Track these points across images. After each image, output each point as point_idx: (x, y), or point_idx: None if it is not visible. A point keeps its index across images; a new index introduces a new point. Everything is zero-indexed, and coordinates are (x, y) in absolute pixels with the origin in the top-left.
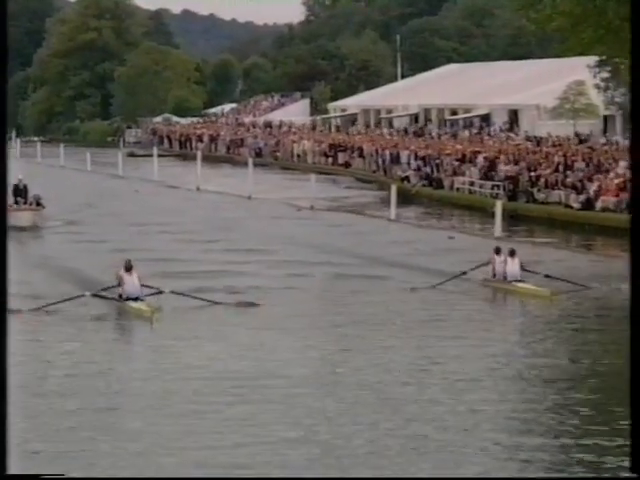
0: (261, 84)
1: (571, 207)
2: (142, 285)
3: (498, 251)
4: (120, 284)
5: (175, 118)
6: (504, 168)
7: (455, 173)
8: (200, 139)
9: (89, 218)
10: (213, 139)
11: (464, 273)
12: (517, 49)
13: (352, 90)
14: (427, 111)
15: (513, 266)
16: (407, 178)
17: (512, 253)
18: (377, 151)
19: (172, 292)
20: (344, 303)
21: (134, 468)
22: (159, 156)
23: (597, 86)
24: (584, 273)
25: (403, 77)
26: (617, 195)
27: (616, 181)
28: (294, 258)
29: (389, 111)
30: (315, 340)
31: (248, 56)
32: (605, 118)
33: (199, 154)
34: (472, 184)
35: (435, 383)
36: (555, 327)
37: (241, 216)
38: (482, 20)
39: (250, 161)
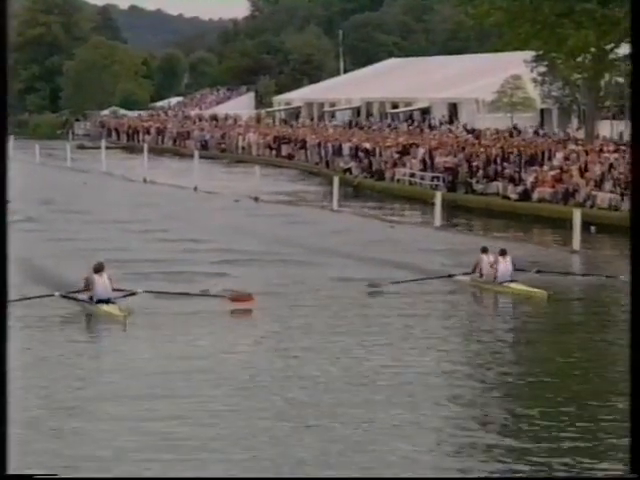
0: (207, 78)
1: (509, 198)
2: (114, 289)
3: (485, 250)
4: (89, 286)
5: (123, 111)
6: (443, 160)
7: (396, 165)
8: (147, 132)
9: (37, 210)
10: (160, 132)
11: (450, 276)
12: (456, 44)
13: (296, 84)
14: (369, 104)
15: (505, 266)
16: (349, 170)
17: (503, 252)
18: (320, 144)
19: (146, 292)
20: (285, 292)
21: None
22: (107, 148)
23: (534, 80)
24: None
25: (345, 71)
26: (553, 186)
27: (552, 173)
28: (238, 247)
29: (332, 104)
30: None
31: (194, 50)
32: (542, 111)
33: (146, 146)
34: (412, 175)
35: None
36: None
37: (187, 207)
38: (422, 15)
39: (196, 153)
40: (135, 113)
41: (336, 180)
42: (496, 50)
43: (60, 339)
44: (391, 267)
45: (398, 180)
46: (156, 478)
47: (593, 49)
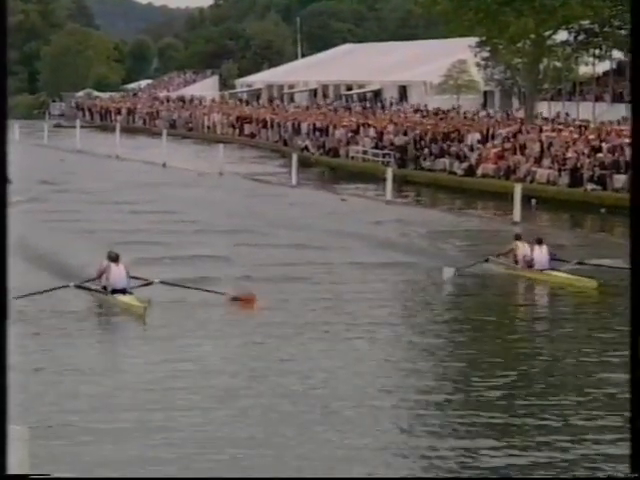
0: (174, 62)
1: (455, 173)
2: (130, 277)
3: (518, 237)
4: (106, 275)
5: (96, 93)
6: (394, 138)
7: (349, 143)
8: (119, 112)
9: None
10: (131, 112)
11: (486, 260)
12: (406, 31)
13: (257, 67)
14: (325, 87)
15: (541, 254)
16: (306, 148)
17: (539, 241)
18: (279, 123)
19: (162, 282)
20: (251, 261)
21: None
22: (81, 127)
23: (478, 64)
24: (471, 232)
25: (303, 56)
26: (495, 163)
27: (494, 150)
28: (203, 219)
29: (290, 87)
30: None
31: (162, 37)
32: (485, 93)
33: (118, 126)
34: (365, 153)
35: None
36: None
37: (157, 182)
38: (375, 4)
39: (164, 132)
40: (107, 95)
41: (294, 157)
42: (443, 36)
43: (76, 341)
44: (344, 237)
45: (352, 157)
46: (156, 478)
47: (532, 35)
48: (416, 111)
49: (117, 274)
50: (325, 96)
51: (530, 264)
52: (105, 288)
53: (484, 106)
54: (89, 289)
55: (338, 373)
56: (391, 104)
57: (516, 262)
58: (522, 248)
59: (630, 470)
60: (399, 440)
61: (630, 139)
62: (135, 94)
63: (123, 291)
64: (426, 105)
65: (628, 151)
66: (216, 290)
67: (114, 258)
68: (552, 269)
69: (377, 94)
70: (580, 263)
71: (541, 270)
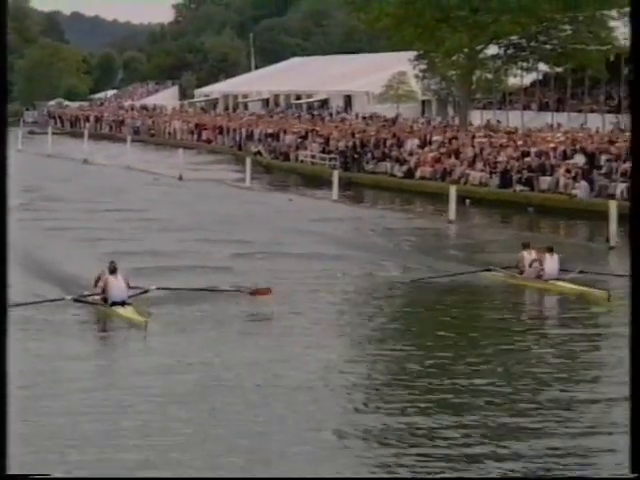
0: (138, 74)
1: (395, 176)
2: (129, 287)
3: (526, 246)
4: (103, 288)
5: (66, 102)
6: (339, 143)
7: (299, 148)
8: (87, 119)
9: None
10: (98, 119)
11: (488, 269)
12: (350, 45)
13: (214, 78)
14: (276, 96)
15: (552, 263)
16: (259, 152)
17: (550, 249)
18: (234, 129)
19: (158, 288)
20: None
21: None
22: (53, 134)
23: (416, 76)
24: (410, 229)
25: (256, 68)
26: (432, 166)
27: (431, 154)
28: (163, 217)
29: (245, 96)
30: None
31: (127, 50)
32: (423, 102)
33: (86, 132)
34: (313, 157)
35: None
36: None
37: (121, 184)
38: (321, 20)
39: (129, 138)
40: (77, 104)
41: (248, 161)
42: (384, 50)
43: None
44: (289, 232)
45: (301, 161)
46: (156, 478)
47: (466, 50)
48: (360, 118)
49: (116, 287)
50: (276, 105)
51: (539, 274)
52: (104, 300)
53: (422, 114)
54: (87, 302)
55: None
56: (337, 112)
57: (521, 272)
58: (529, 257)
59: (630, 470)
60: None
61: (630, 138)
62: (102, 103)
63: (122, 303)
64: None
65: (553, 155)
66: (232, 289)
67: (113, 270)
68: (559, 279)
69: (324, 103)
70: (582, 272)
71: (548, 280)
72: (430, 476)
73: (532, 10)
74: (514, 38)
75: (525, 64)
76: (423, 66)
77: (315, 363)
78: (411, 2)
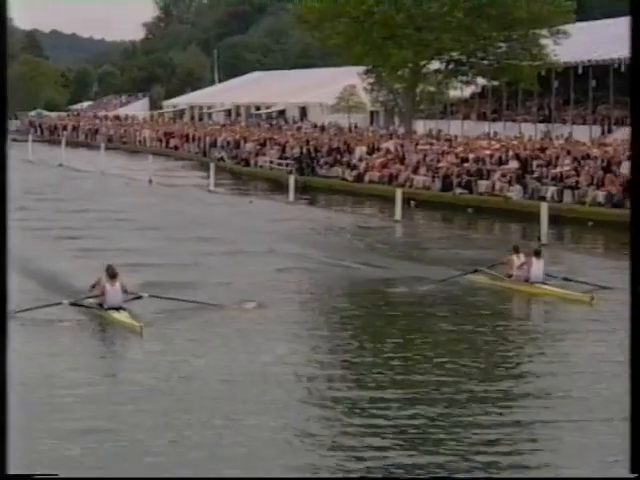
0: (112, 86)
1: (346, 180)
2: (125, 292)
3: (516, 249)
4: (101, 293)
5: (46, 112)
6: (295, 150)
7: (258, 154)
8: (65, 128)
9: None
10: (75, 128)
11: (475, 271)
12: (306, 60)
13: (181, 91)
14: (238, 107)
15: (538, 267)
16: (222, 158)
17: (537, 253)
18: (199, 137)
19: (152, 296)
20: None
21: None
22: (33, 141)
23: (365, 89)
24: (360, 227)
25: (220, 81)
26: (380, 171)
27: (379, 160)
28: (135, 217)
29: (209, 107)
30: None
31: (101, 65)
32: (371, 113)
33: (64, 140)
34: (271, 162)
35: None
36: None
37: (96, 187)
38: (279, 38)
39: (103, 145)
40: (55, 114)
41: (212, 166)
42: (336, 65)
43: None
44: (252, 232)
45: (260, 166)
46: (156, 478)
47: (410, 65)
48: (315, 127)
49: (113, 292)
50: (238, 115)
51: (527, 278)
52: (100, 305)
53: (371, 123)
54: (84, 306)
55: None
56: (293, 122)
57: (509, 275)
58: (517, 261)
59: (630, 470)
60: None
61: (630, 138)
62: (78, 113)
63: (117, 308)
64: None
65: (489, 161)
66: (210, 302)
67: (112, 275)
68: (544, 283)
69: (281, 113)
70: (566, 279)
71: (534, 283)
72: (430, 475)
73: (471, 29)
74: (454, 54)
75: (464, 78)
76: (371, 80)
77: (267, 355)
78: (360, 21)
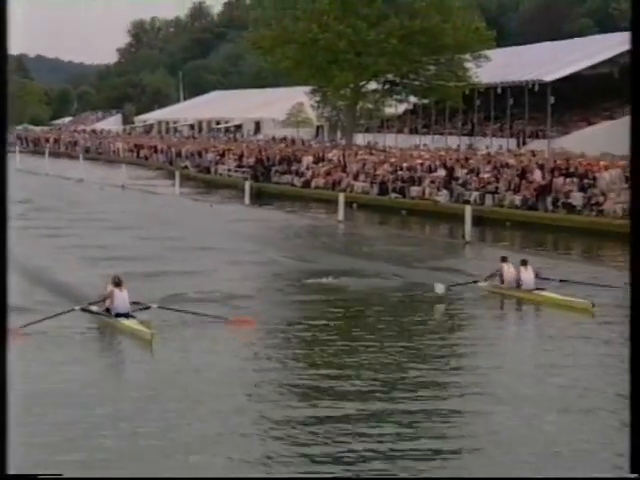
0: (89, 104)
1: (295, 186)
2: (131, 302)
3: (505, 259)
4: (109, 300)
5: (31, 127)
6: (250, 159)
7: (218, 163)
8: (47, 141)
9: None
10: (56, 141)
11: (475, 282)
12: (260, 81)
13: (150, 108)
14: (200, 122)
15: (527, 274)
16: (186, 167)
17: (524, 262)
18: (166, 149)
19: (160, 307)
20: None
21: None
22: (20, 152)
23: (312, 106)
24: (308, 226)
25: (184, 99)
26: (325, 178)
27: (324, 169)
28: (110, 218)
29: (175, 122)
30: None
31: (80, 85)
32: (317, 127)
33: (47, 151)
34: (229, 170)
35: None
36: None
37: (75, 191)
38: (237, 62)
39: (81, 156)
40: (39, 128)
41: (177, 174)
42: (286, 85)
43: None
44: (212, 231)
45: (220, 174)
46: (156, 478)
47: (351, 85)
48: (267, 140)
49: (121, 299)
50: (200, 129)
51: (518, 285)
52: (108, 311)
53: (316, 136)
54: (93, 312)
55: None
56: (248, 135)
57: (502, 282)
58: (508, 270)
59: (630, 470)
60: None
61: (630, 139)
62: (60, 128)
63: (126, 315)
64: (274, 135)
65: (420, 169)
66: (216, 315)
67: (118, 283)
68: (538, 289)
69: (238, 127)
70: (562, 281)
71: (529, 290)
72: (427, 475)
73: (404, 54)
74: (390, 76)
75: (398, 97)
76: (317, 98)
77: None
78: (307, 47)
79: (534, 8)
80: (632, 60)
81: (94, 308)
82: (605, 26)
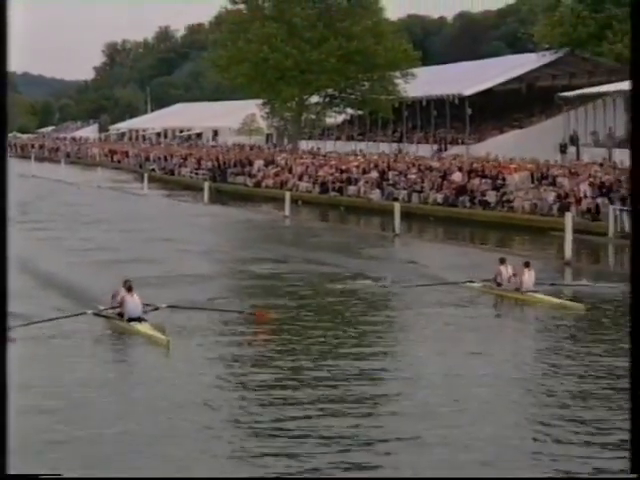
0: (69, 115)
1: (248, 186)
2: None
3: (503, 261)
4: (121, 304)
5: (19, 134)
6: (209, 163)
7: (181, 166)
8: (33, 147)
9: None
10: (41, 147)
11: (471, 282)
12: (218, 95)
13: (122, 118)
14: (165, 130)
15: (529, 277)
16: (154, 169)
17: (527, 264)
18: (136, 153)
19: (169, 306)
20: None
21: None
22: (9, 157)
23: (262, 116)
24: (258, 221)
25: (152, 111)
26: (274, 179)
27: (273, 171)
28: (85, 213)
29: (144, 130)
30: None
31: (61, 98)
32: (267, 135)
33: (33, 156)
34: (191, 172)
35: None
36: None
37: (56, 190)
38: (198, 78)
39: (62, 160)
40: (26, 136)
41: (146, 176)
42: (241, 98)
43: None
44: (177, 225)
45: (183, 175)
46: (156, 478)
47: (297, 98)
48: (224, 146)
49: (133, 304)
50: (165, 136)
51: (517, 287)
52: (120, 315)
53: (266, 143)
54: (106, 317)
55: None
56: (207, 141)
57: (498, 285)
58: (505, 271)
59: (630, 470)
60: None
61: (630, 140)
62: (44, 136)
63: (138, 319)
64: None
65: (356, 171)
66: (231, 309)
67: (129, 288)
68: (536, 292)
69: (199, 135)
70: (553, 284)
71: (525, 292)
72: (426, 475)
73: (342, 71)
74: (330, 90)
75: (337, 108)
76: (267, 110)
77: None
78: (258, 66)
79: (455, 32)
80: (632, 60)
81: (107, 313)
82: (515, 48)
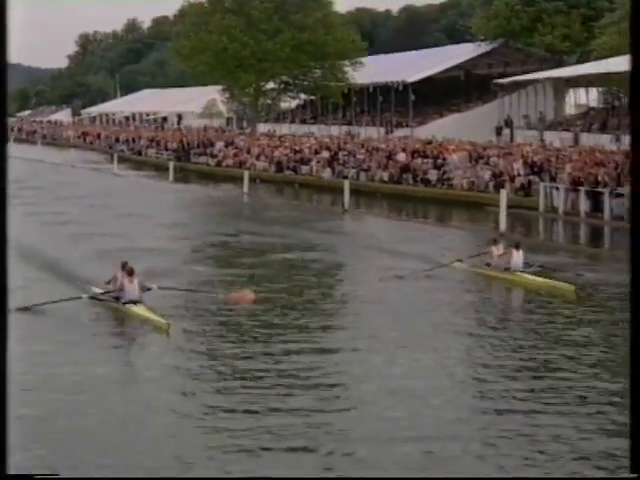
0: (45, 100)
1: (210, 165)
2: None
3: (495, 241)
4: (119, 288)
5: None
6: (174, 144)
7: (149, 147)
8: (12, 130)
9: None
10: (19, 130)
11: (459, 260)
12: (182, 81)
13: (94, 103)
14: (134, 114)
15: (518, 258)
16: (123, 150)
17: (517, 245)
18: (107, 135)
19: (160, 288)
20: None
21: None
22: None
23: (223, 101)
24: (219, 197)
25: (121, 96)
26: (233, 159)
27: (233, 151)
28: (60, 190)
29: (114, 114)
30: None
31: (37, 84)
32: (228, 119)
33: (12, 138)
34: (157, 153)
35: None
36: None
37: (34, 169)
38: (163, 66)
39: (39, 142)
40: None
41: (115, 156)
42: (203, 84)
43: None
44: (146, 201)
45: (150, 156)
46: (156, 478)
47: (254, 85)
48: (188, 129)
49: (131, 288)
50: (134, 120)
51: (507, 267)
52: (117, 298)
53: (227, 125)
54: (102, 300)
55: None
56: (172, 125)
57: (488, 265)
58: (497, 252)
59: (630, 470)
60: None
61: (630, 141)
62: (22, 119)
63: (135, 302)
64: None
65: (308, 152)
66: (212, 291)
67: (130, 272)
68: (524, 272)
69: (164, 119)
70: (541, 267)
71: (514, 271)
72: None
73: (295, 60)
74: (284, 77)
75: (291, 94)
76: (227, 95)
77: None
78: (218, 55)
79: (400, 24)
80: (632, 60)
81: (103, 296)
82: (455, 39)
